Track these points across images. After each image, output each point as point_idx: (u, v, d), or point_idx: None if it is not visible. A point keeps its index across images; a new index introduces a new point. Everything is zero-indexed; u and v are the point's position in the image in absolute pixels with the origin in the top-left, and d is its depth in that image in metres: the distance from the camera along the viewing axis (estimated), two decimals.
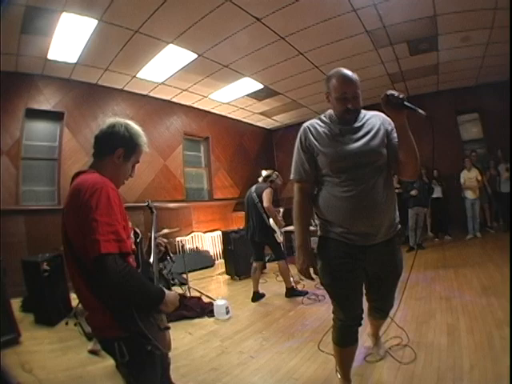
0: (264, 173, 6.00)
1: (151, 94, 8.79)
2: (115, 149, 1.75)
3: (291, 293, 5.60)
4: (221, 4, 5.36)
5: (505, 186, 8.64)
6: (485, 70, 9.23)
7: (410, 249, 7.93)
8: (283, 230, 6.03)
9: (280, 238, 5.70)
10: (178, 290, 5.74)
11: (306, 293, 5.51)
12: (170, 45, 6.44)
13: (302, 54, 7.26)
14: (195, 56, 6.95)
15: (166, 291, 1.66)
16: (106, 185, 1.56)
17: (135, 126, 1.86)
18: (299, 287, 5.80)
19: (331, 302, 2.37)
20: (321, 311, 4.67)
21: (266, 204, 5.48)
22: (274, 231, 5.63)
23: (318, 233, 2.37)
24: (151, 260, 1.97)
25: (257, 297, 5.66)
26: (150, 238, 2.13)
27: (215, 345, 3.90)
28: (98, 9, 5.16)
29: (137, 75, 7.55)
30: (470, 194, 8.73)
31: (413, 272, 5.19)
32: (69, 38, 5.80)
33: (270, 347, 3.69)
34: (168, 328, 1.78)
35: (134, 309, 1.51)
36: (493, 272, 5.35)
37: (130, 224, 1.74)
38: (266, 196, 5.53)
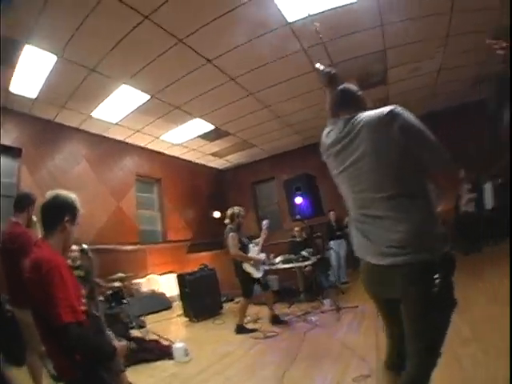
0: (229, 211, 6.05)
1: (105, 134, 8.72)
2: (63, 217, 2.05)
3: (240, 330, 5.66)
4: (173, 45, 5.51)
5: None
6: (435, 98, 9.80)
7: None
8: (272, 265, 6.55)
9: (257, 274, 5.75)
10: (136, 333, 5.61)
11: (256, 330, 5.60)
12: (123, 85, 6.50)
13: (251, 94, 7.44)
14: (148, 97, 7.02)
15: (116, 343, 2.12)
16: (58, 263, 1.90)
17: (70, 193, 2.15)
18: (257, 326, 5.88)
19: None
20: (280, 347, 4.68)
21: (231, 252, 5.66)
22: (246, 270, 5.69)
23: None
24: (98, 312, 2.26)
25: (240, 329, 5.68)
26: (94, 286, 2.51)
27: None
28: (59, 43, 5.18)
29: (92, 114, 7.52)
30: None
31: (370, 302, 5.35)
32: (30, 72, 5.78)
33: None
34: (123, 371, 2.26)
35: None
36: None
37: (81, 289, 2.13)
38: (230, 243, 5.67)
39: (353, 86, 2.18)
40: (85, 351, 1.86)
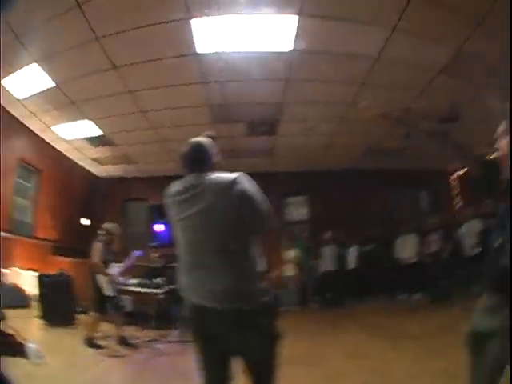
0: (105, 225, 6.07)
1: (5, 106, 7.91)
2: None
3: (89, 343, 5.59)
4: (88, 41, 5.33)
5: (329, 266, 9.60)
6: (323, 158, 10.30)
7: None
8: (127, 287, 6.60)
9: (108, 291, 5.69)
10: None
11: (103, 348, 5.56)
12: (35, 63, 6.14)
13: (144, 112, 7.41)
14: (53, 84, 6.67)
15: None
16: None
17: None
18: (106, 343, 5.80)
19: None
20: (124, 369, 4.81)
21: (92, 260, 5.65)
22: (98, 283, 5.66)
23: None
24: None
25: (89, 343, 5.58)
26: None
27: None
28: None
29: (2, 81, 6.91)
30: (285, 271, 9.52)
31: None
32: None
33: None
34: None
35: None
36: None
37: None
38: (94, 251, 5.67)
39: (207, 143, 2.36)
40: None
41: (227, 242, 2.02)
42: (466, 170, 12.20)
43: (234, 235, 2.03)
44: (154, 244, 6.91)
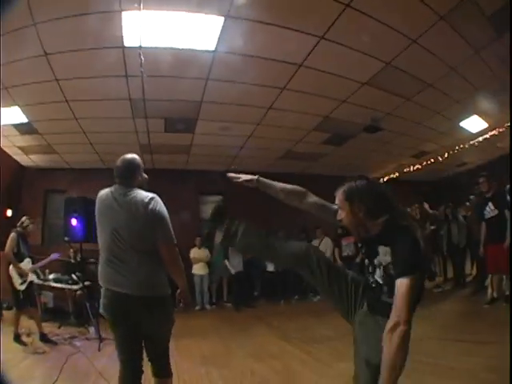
0: (23, 218, 5.93)
1: None
2: None
3: (15, 339, 5.63)
4: (27, 26, 5.06)
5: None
6: (239, 159, 10.62)
7: None
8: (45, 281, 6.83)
9: (19, 286, 5.60)
10: None
11: (25, 344, 5.58)
12: None
13: (67, 101, 7.18)
14: None
15: None
16: None
17: None
18: (29, 339, 5.83)
19: None
20: (46, 365, 4.75)
21: (4, 250, 5.58)
22: (11, 275, 5.58)
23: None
24: None
25: (15, 339, 5.63)
26: None
27: None
28: None
29: None
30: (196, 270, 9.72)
31: None
32: None
33: None
34: None
35: None
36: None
37: None
38: (7, 242, 5.61)
39: (138, 161, 2.97)
40: None
41: (140, 245, 2.67)
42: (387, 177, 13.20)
43: (145, 240, 2.68)
44: (67, 239, 6.70)
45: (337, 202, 2.24)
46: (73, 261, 8.27)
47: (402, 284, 1.82)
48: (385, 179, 13.33)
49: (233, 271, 9.71)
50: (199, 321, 7.68)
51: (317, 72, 6.26)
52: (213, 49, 5.64)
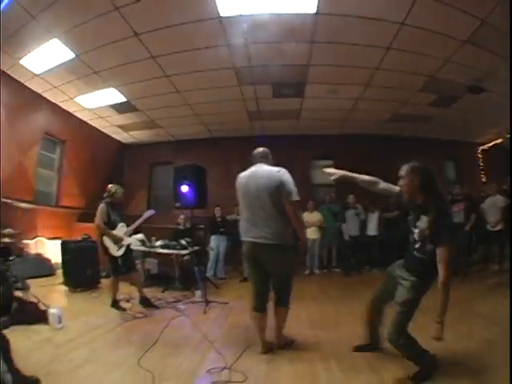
0: (109, 186, 5.96)
1: (26, 84, 8.13)
2: None
3: (114, 305, 5.77)
4: (108, 11, 5.39)
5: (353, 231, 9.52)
6: (348, 123, 10.30)
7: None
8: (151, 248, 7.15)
9: (115, 252, 5.70)
10: (18, 294, 5.34)
11: (125, 310, 5.69)
12: (55, 39, 6.22)
13: (167, 76, 7.43)
14: (73, 55, 6.74)
15: None
16: None
17: None
18: (128, 305, 5.92)
19: None
20: (145, 329, 4.74)
21: (95, 221, 5.63)
22: (105, 244, 5.67)
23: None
24: None
25: (114, 305, 5.75)
26: None
27: (49, 351, 3.80)
28: None
29: (20, 61, 7.07)
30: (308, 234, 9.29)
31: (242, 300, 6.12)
32: None
33: (97, 358, 3.67)
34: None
35: None
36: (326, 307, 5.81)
37: None
38: (97, 213, 5.65)
39: (266, 150, 3.99)
40: None
41: (273, 205, 3.56)
42: (493, 143, 12.14)
43: (276, 202, 3.56)
44: (178, 205, 6.84)
45: (402, 172, 3.03)
46: (181, 227, 8.52)
47: (440, 251, 2.73)
48: (490, 145, 12.33)
49: (347, 236, 9.52)
50: (308, 285, 7.58)
51: (418, 30, 5.91)
52: (314, 11, 5.51)
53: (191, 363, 3.54)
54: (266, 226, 3.59)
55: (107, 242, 5.65)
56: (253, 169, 3.87)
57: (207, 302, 5.91)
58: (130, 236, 6.05)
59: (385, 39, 6.21)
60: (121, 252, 5.74)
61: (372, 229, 9.56)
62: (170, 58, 6.72)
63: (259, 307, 3.78)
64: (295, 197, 3.58)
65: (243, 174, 3.91)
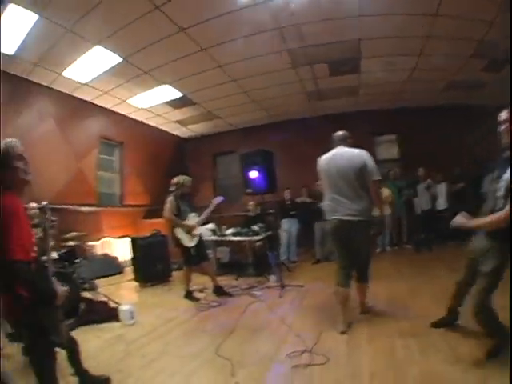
0: (175, 179, 5.99)
1: (74, 94, 8.41)
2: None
3: (187, 296, 5.91)
4: (149, 11, 5.42)
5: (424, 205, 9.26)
6: (406, 95, 9.98)
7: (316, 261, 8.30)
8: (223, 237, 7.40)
9: (188, 242, 5.75)
10: (86, 294, 5.57)
11: (198, 300, 5.82)
12: (97, 46, 6.35)
13: (220, 66, 7.42)
14: (120, 59, 6.86)
15: (58, 288, 2.37)
16: (18, 208, 2.16)
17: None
18: (202, 295, 6.06)
19: None
20: (221, 318, 4.80)
21: (164, 214, 5.72)
22: (177, 236, 5.73)
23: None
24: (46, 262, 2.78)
25: (188, 296, 5.91)
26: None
27: (120, 348, 3.90)
28: (41, 2, 5.02)
29: (63, 73, 7.26)
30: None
31: (316, 282, 5.95)
32: (11, 30, 5.56)
33: (171, 351, 3.74)
34: (62, 321, 2.66)
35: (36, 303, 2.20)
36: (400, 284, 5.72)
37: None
38: (166, 206, 5.73)
39: (346, 133, 4.18)
40: (29, 288, 2.13)
41: (356, 183, 3.85)
42: None
43: (360, 182, 3.85)
44: (249, 191, 6.82)
45: (503, 117, 2.82)
46: (252, 214, 8.54)
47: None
48: None
49: (418, 210, 9.32)
50: (381, 263, 7.38)
51: None
52: None
53: (270, 348, 3.57)
54: (352, 203, 3.84)
55: (179, 233, 5.70)
56: (334, 151, 4.11)
57: (282, 286, 5.94)
58: (202, 225, 6.13)
59: (431, 6, 5.90)
60: (194, 242, 5.79)
61: (441, 203, 9.25)
62: (220, 48, 6.71)
63: (344, 282, 3.98)
64: (377, 176, 3.91)
65: (325, 157, 4.15)
